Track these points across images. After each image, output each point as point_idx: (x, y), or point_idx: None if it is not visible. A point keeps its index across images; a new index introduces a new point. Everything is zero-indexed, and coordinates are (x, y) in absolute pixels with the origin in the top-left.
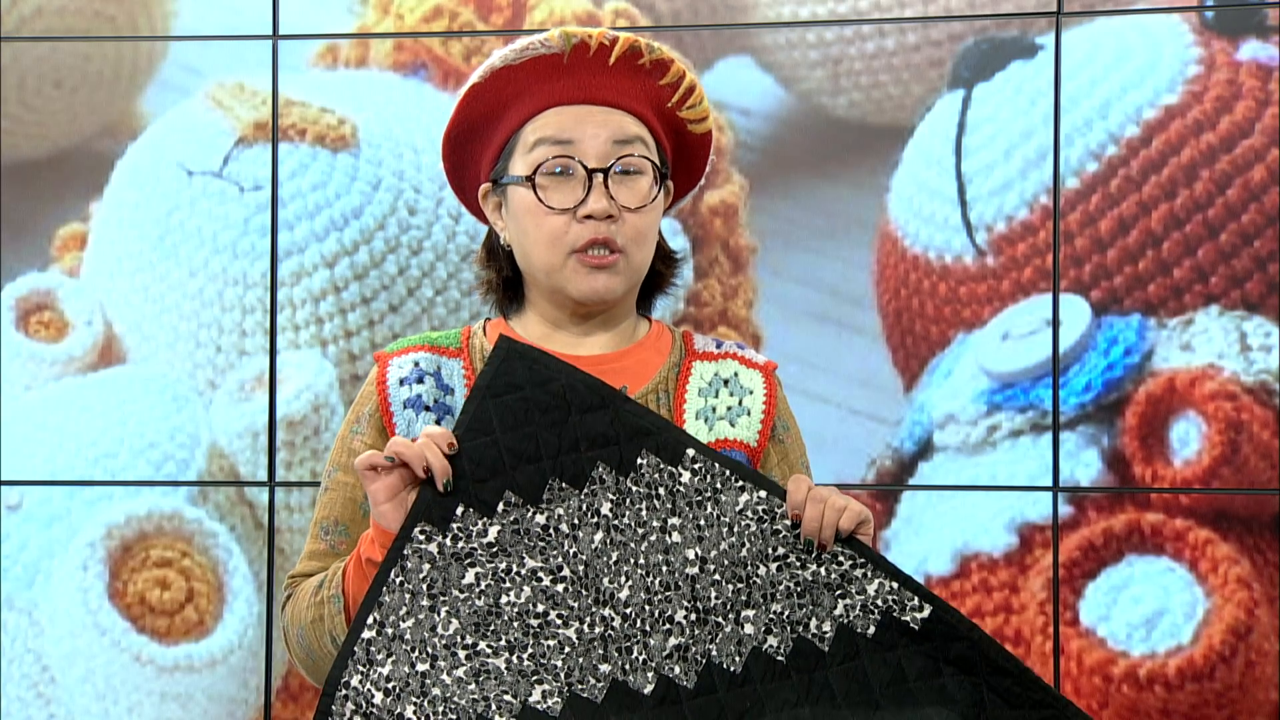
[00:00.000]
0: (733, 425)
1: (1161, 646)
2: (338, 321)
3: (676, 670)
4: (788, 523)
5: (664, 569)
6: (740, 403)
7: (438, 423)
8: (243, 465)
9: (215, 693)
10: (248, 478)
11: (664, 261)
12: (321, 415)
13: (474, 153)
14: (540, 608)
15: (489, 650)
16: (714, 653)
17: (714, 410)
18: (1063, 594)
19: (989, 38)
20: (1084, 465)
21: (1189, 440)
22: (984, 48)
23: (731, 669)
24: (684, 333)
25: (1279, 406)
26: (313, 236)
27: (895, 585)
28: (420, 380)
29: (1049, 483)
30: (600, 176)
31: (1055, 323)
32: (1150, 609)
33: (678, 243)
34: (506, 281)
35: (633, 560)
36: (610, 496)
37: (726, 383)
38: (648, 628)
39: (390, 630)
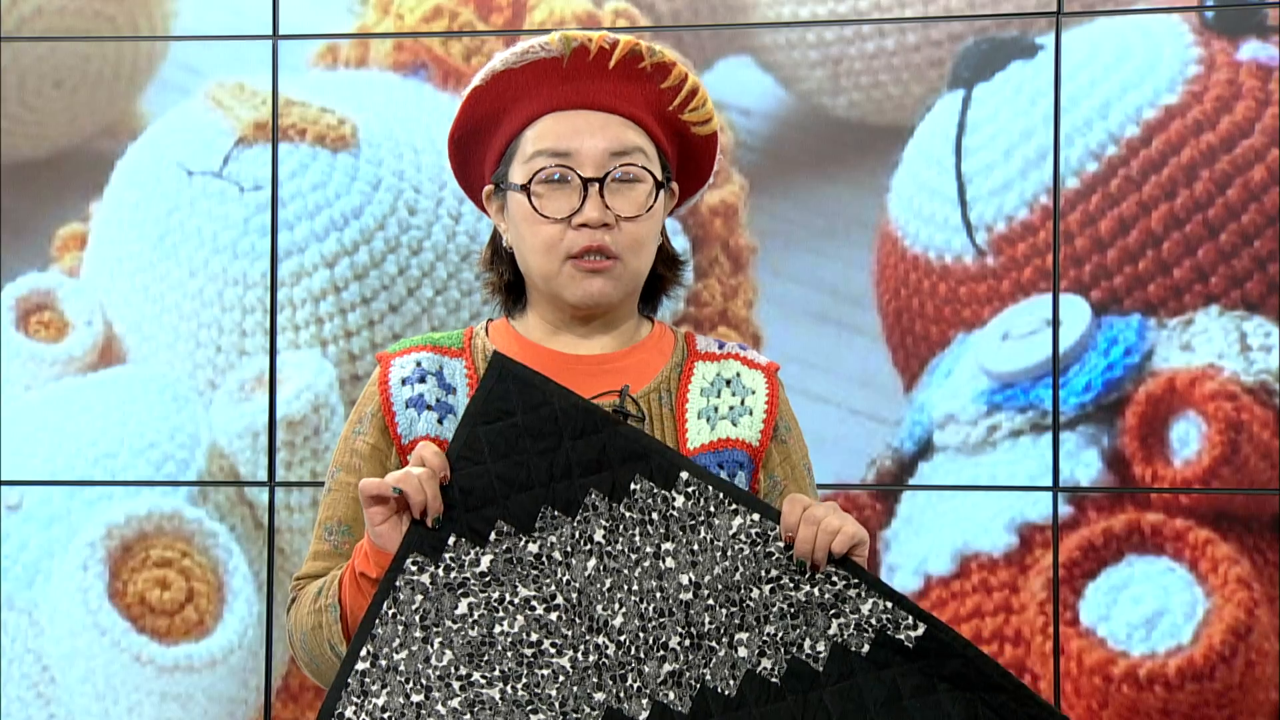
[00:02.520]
0: (735, 425)
1: (1161, 646)
2: (338, 321)
3: (671, 696)
4: (780, 544)
5: (658, 595)
6: (742, 402)
7: (440, 422)
8: (243, 465)
9: (215, 693)
10: (248, 478)
11: (667, 265)
12: (321, 415)
13: (477, 154)
14: (534, 637)
15: (483, 681)
16: (708, 677)
17: (716, 410)
18: (1063, 594)
19: (989, 38)
20: (1084, 465)
21: (1189, 440)
22: (984, 48)
23: (726, 693)
24: (686, 334)
25: (1279, 406)
26: (313, 236)
27: (889, 604)
28: (422, 380)
29: (1049, 483)
30: (596, 186)
31: (1055, 323)
32: (1150, 609)
33: (678, 243)
34: (509, 283)
35: (626, 587)
36: (603, 523)
37: (729, 383)
38: (642, 655)
39: (384, 662)
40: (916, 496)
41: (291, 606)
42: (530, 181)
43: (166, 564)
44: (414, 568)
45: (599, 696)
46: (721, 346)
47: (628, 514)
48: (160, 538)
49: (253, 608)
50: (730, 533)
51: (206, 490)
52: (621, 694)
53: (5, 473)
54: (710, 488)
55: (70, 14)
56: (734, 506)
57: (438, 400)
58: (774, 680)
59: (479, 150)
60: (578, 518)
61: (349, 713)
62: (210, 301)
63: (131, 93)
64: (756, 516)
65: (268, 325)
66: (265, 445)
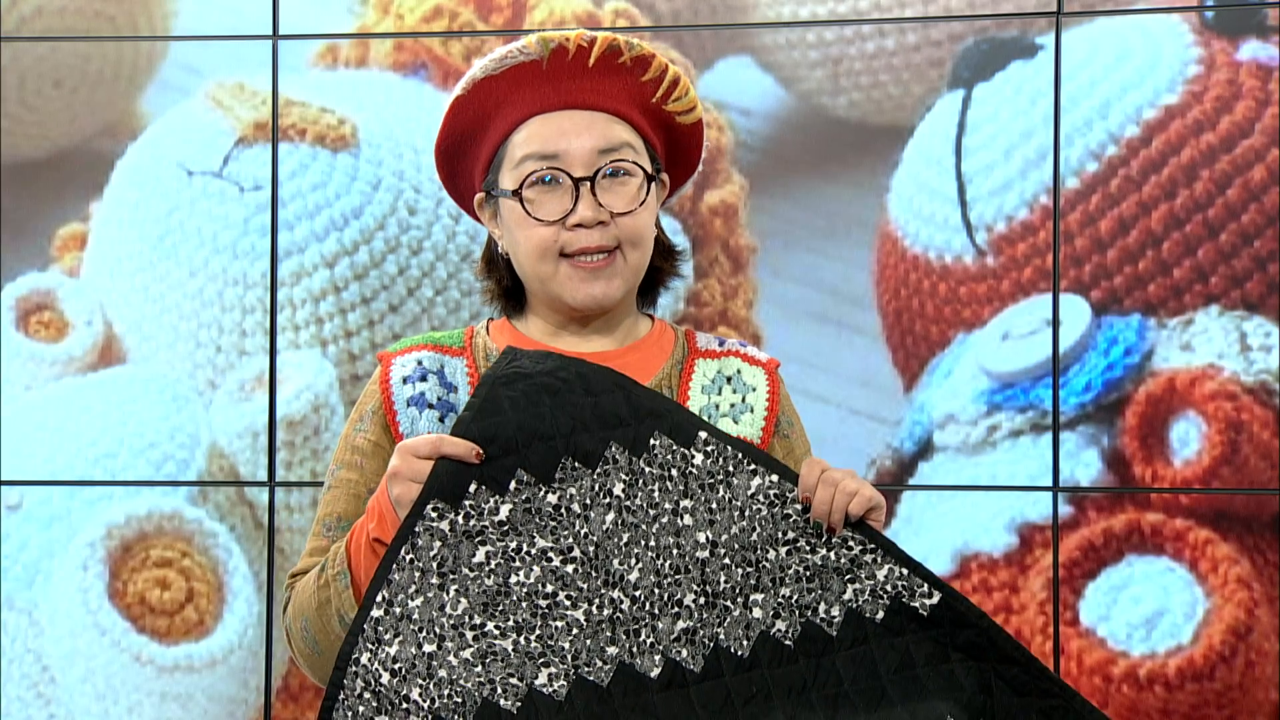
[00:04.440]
0: (736, 422)
1: (1161, 646)
2: (338, 321)
3: (684, 654)
4: (798, 507)
5: (674, 552)
6: (743, 399)
7: (441, 420)
8: (243, 465)
9: (215, 693)
10: (248, 478)
11: (664, 257)
12: (321, 415)
13: (465, 164)
14: (549, 588)
15: (496, 631)
16: (721, 636)
17: (717, 407)
18: (1063, 594)
19: (989, 38)
20: (1084, 465)
21: (1189, 440)
22: (984, 48)
23: (739, 653)
24: (686, 331)
25: (1279, 406)
26: (313, 236)
27: (905, 571)
28: (424, 379)
29: (1049, 483)
30: (587, 185)
31: (1055, 323)
32: (1150, 609)
33: (677, 241)
34: (507, 289)
35: (643, 542)
36: (623, 477)
37: (729, 380)
38: (656, 610)
39: (399, 609)
40: (916, 496)
41: (288, 603)
42: (521, 186)
43: (166, 564)
44: (434, 514)
45: (612, 650)
46: (722, 344)
47: (647, 469)
48: (160, 538)
49: (253, 608)
50: (749, 493)
51: (206, 490)
52: (635, 649)
53: (5, 473)
54: (729, 447)
55: (70, 14)
56: (752, 467)
57: (439, 399)
58: (787, 643)
59: (466, 159)
60: (598, 470)
61: (364, 659)
62: (210, 301)
63: (131, 93)
64: (775, 478)
65: (268, 325)
66: (265, 445)
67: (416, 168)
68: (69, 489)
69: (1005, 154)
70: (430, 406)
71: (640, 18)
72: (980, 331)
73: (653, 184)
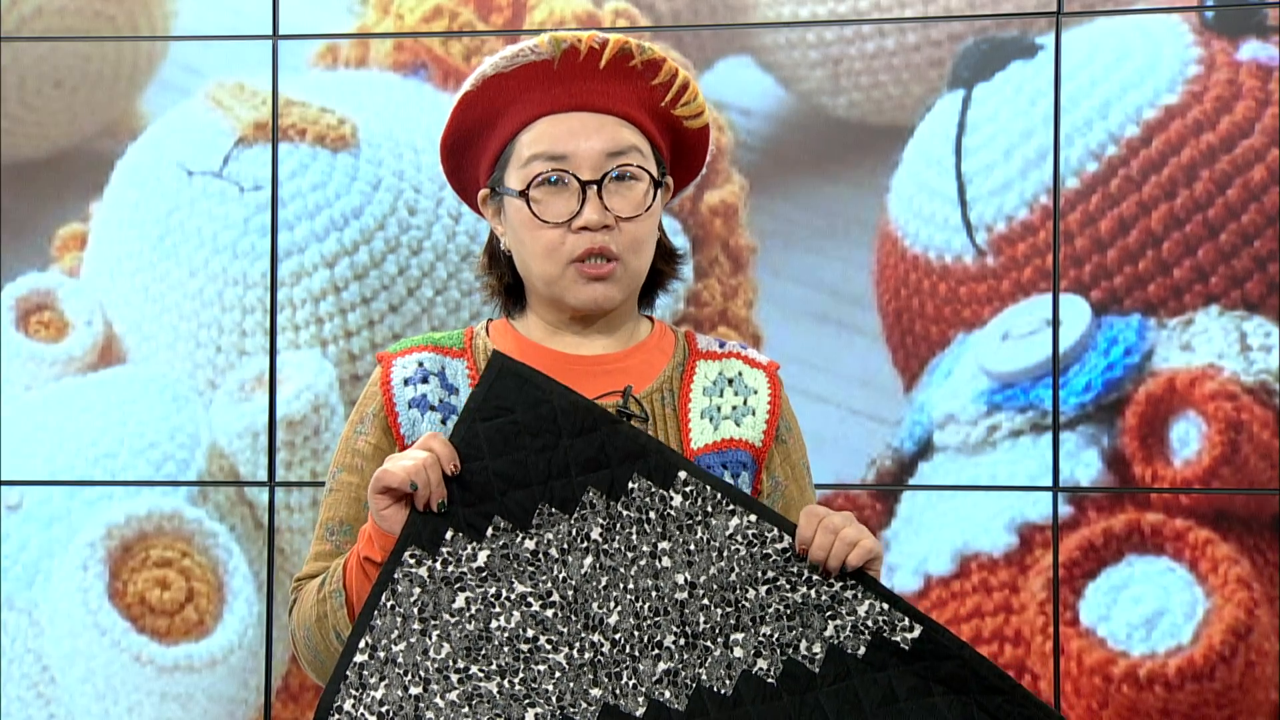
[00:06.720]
0: (738, 425)
1: (1161, 646)
2: (338, 321)
3: (667, 695)
4: (779, 546)
5: (653, 594)
6: (745, 402)
7: (443, 422)
8: (243, 465)
9: (215, 693)
10: (248, 478)
11: (665, 259)
12: (321, 415)
13: (471, 159)
14: (530, 633)
15: (481, 674)
16: (704, 677)
17: (719, 410)
18: (1063, 594)
19: (989, 38)
20: (1084, 465)
21: (1189, 440)
22: (984, 48)
23: (722, 692)
24: (686, 333)
25: (1279, 406)
26: (313, 236)
27: (885, 606)
28: (425, 380)
29: (1049, 483)
30: (594, 188)
31: (1055, 323)
32: (1150, 609)
33: (677, 243)
34: (508, 286)
35: (622, 585)
36: (600, 521)
37: (731, 382)
38: (637, 653)
39: (382, 654)
40: (916, 496)
41: (293, 607)
42: (528, 187)
43: (166, 564)
44: (411, 560)
45: (595, 693)
46: (722, 345)
47: (625, 512)
48: (160, 538)
49: (253, 608)
50: (727, 533)
51: (206, 490)
52: (618, 691)
53: (5, 473)
54: (708, 488)
55: (70, 14)
56: (731, 507)
57: (440, 401)
58: (770, 681)
59: (472, 156)
60: (575, 515)
61: (348, 705)
62: (210, 301)
63: (131, 93)
64: (753, 518)
65: (268, 325)
66: (265, 445)
67: (416, 168)
68: (69, 489)
69: (1005, 154)
70: (432, 409)
71: (640, 18)
72: (980, 331)
73: (659, 189)
